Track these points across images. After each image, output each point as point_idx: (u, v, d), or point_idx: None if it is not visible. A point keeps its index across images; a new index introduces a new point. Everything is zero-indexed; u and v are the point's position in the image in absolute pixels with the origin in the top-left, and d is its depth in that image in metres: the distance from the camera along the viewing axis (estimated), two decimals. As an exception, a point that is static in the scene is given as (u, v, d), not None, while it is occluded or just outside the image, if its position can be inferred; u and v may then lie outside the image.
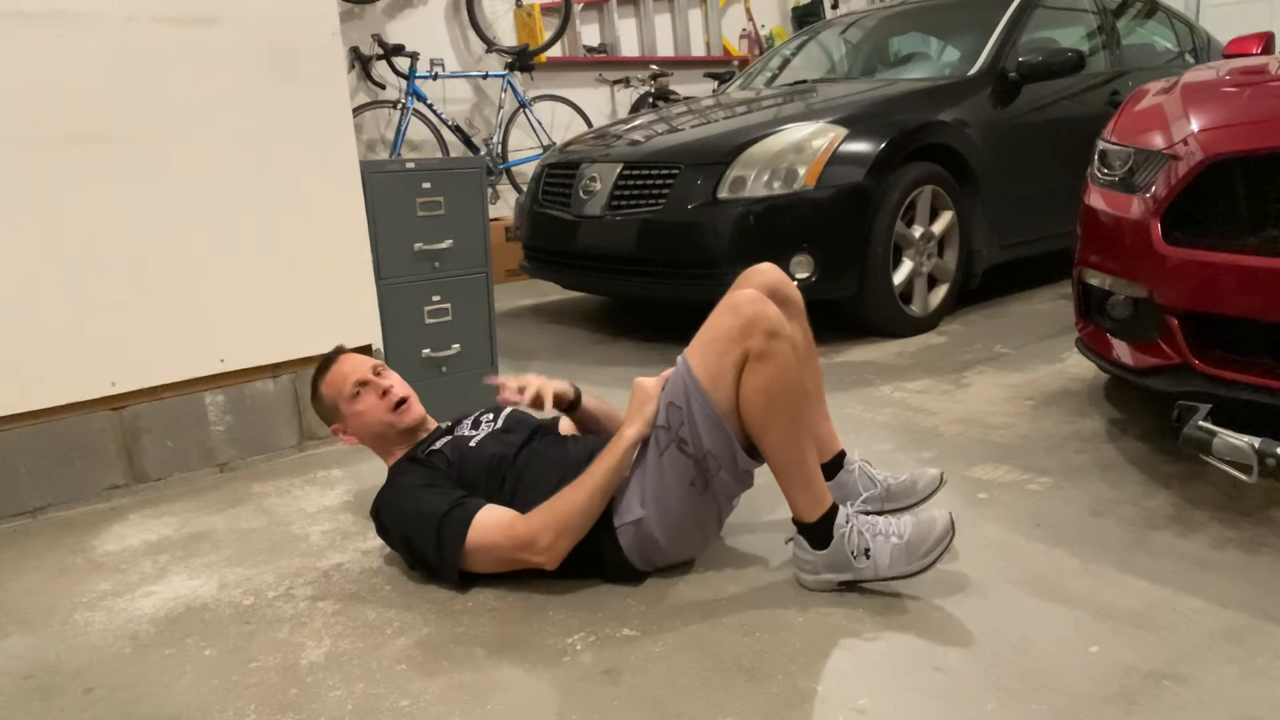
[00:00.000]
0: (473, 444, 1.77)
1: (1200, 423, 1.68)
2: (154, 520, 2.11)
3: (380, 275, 2.57)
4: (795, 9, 7.46)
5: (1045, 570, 1.65)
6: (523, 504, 1.63)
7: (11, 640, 1.63)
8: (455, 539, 1.60)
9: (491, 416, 1.89)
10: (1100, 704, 1.27)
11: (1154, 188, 2.01)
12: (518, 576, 1.67)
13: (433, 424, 1.91)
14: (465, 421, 1.89)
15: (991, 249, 3.61)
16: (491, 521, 1.61)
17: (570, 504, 1.57)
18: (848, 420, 2.50)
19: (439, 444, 1.79)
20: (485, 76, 5.74)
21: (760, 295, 1.56)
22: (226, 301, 2.33)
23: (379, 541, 1.85)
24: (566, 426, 1.94)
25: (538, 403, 1.79)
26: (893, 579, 1.55)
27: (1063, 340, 3.15)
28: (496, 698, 1.37)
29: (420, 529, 1.65)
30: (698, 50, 7.14)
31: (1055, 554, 1.70)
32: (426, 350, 2.68)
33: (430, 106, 5.35)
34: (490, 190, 5.49)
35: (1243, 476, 1.61)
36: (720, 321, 1.56)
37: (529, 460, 1.74)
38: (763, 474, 1.65)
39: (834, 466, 1.85)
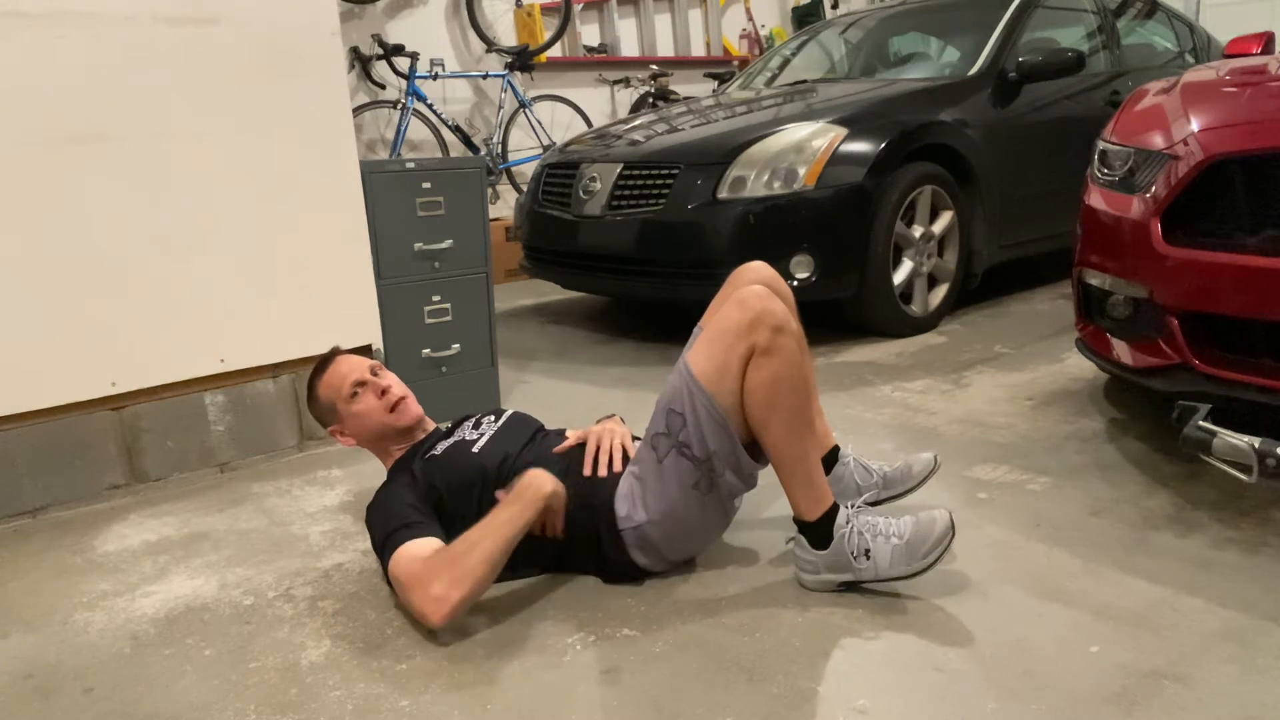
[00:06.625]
0: (475, 449, 1.75)
1: (1200, 423, 1.68)
2: (154, 520, 2.11)
3: (380, 275, 2.57)
4: (795, 9, 7.46)
5: (1045, 570, 1.65)
6: None
7: (11, 640, 1.63)
8: (387, 558, 1.57)
9: (493, 418, 1.89)
10: (1100, 704, 1.27)
11: (1154, 188, 2.01)
12: (517, 577, 1.68)
13: (431, 425, 1.90)
14: (466, 424, 1.88)
15: (991, 249, 3.62)
16: (410, 555, 1.53)
17: (471, 548, 1.50)
18: (848, 420, 2.50)
19: (440, 448, 1.78)
20: (485, 76, 5.74)
21: (767, 291, 1.56)
22: (226, 301, 2.33)
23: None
24: (575, 434, 1.91)
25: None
26: (893, 579, 1.55)
27: (1063, 340, 3.15)
28: (496, 698, 1.37)
29: (375, 537, 1.64)
30: (698, 50, 7.14)
31: (1055, 554, 1.70)
32: (426, 350, 2.68)
33: (430, 106, 5.35)
34: (490, 190, 5.49)
35: (1243, 476, 1.62)
36: (727, 316, 1.55)
37: (533, 460, 1.72)
38: (763, 473, 1.65)
39: (829, 461, 1.86)
